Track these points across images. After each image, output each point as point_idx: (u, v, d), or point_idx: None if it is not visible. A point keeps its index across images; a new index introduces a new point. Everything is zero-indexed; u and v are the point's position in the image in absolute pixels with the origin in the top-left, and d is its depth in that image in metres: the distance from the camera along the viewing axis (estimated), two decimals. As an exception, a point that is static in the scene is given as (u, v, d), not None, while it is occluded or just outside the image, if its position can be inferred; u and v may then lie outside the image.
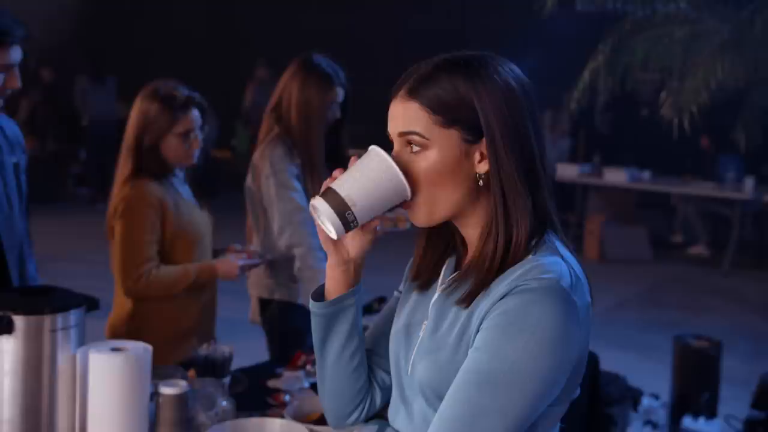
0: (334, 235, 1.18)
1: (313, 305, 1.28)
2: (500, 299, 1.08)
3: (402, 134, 1.15)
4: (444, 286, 1.20)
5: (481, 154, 1.14)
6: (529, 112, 1.14)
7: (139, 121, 2.42)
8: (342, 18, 10.45)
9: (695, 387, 3.69)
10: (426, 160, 1.13)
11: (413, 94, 1.14)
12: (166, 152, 2.44)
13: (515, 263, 1.11)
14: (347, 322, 1.27)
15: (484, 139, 1.13)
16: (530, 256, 1.12)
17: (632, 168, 8.10)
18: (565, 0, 3.34)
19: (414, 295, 1.28)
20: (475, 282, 1.13)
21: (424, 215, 1.16)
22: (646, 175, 8.19)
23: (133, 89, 2.56)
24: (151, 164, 2.43)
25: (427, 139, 1.13)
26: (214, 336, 2.58)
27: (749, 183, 7.46)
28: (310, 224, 2.65)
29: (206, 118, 2.50)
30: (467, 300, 1.13)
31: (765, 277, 7.39)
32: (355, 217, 1.15)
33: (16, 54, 1.92)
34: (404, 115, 1.15)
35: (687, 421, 3.52)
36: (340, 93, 2.72)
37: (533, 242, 1.13)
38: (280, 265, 2.76)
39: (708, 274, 7.55)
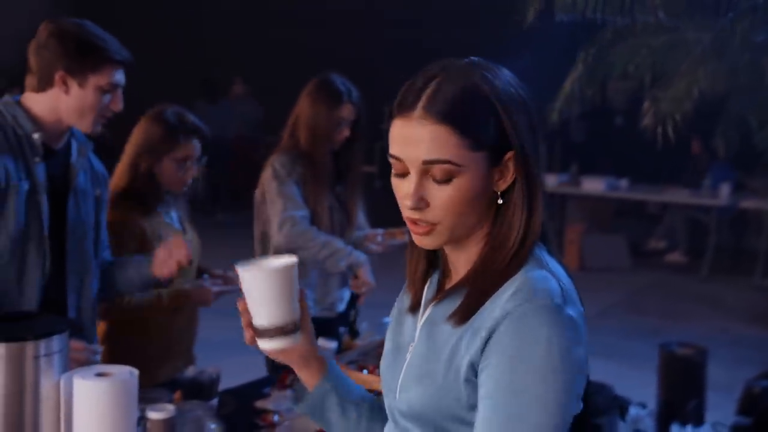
0: (295, 343, 1.20)
1: (298, 408, 1.32)
2: (494, 327, 1.05)
3: (428, 162, 1.05)
4: (434, 303, 1.17)
5: (500, 172, 1.09)
6: (535, 124, 1.12)
7: (141, 140, 2.42)
8: (319, 33, 10.45)
9: (682, 394, 3.69)
10: (455, 187, 1.06)
11: (441, 116, 1.04)
12: (160, 175, 2.43)
13: (508, 278, 1.08)
14: (335, 402, 1.27)
15: (506, 156, 1.08)
16: (519, 272, 1.08)
17: (609, 177, 8.15)
18: (545, 10, 3.35)
19: (402, 315, 1.26)
20: (472, 299, 1.10)
21: (440, 240, 1.11)
22: (624, 183, 8.24)
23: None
24: (144, 185, 2.41)
25: (462, 166, 1.05)
26: (193, 357, 2.53)
27: (725, 189, 7.54)
28: (307, 223, 2.75)
29: (206, 150, 2.51)
30: (463, 317, 1.09)
31: (742, 282, 7.45)
32: (290, 321, 1.19)
33: (120, 75, 1.99)
34: (431, 140, 1.04)
35: (675, 429, 3.51)
36: (351, 111, 2.78)
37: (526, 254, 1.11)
38: None
39: (687, 281, 7.60)
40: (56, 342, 1.68)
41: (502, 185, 1.09)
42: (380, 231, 2.94)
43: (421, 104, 1.05)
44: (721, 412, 3.84)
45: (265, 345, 1.19)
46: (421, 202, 1.07)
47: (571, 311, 1.05)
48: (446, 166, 1.04)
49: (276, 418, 2.15)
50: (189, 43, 11.16)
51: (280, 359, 1.25)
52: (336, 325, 2.81)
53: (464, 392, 1.08)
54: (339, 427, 1.28)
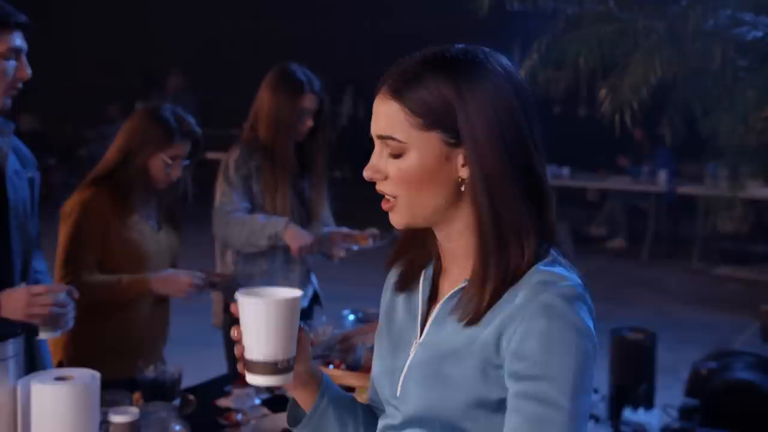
0: (285, 383, 1.15)
1: (296, 430, 1.24)
2: (519, 316, 1.04)
3: (381, 138, 1.11)
4: (443, 300, 1.15)
5: (465, 158, 1.08)
6: (523, 113, 1.09)
7: (138, 135, 2.40)
8: (268, 22, 10.32)
9: (632, 378, 3.75)
10: (404, 162, 1.09)
11: (396, 93, 1.09)
12: (148, 170, 2.41)
13: (522, 275, 1.07)
14: (333, 417, 1.22)
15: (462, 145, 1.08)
16: (537, 266, 1.08)
17: (552, 165, 8.26)
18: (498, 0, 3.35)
19: (399, 310, 1.22)
20: (480, 300, 1.08)
21: (403, 217, 1.12)
22: (566, 171, 8.36)
23: (37, 100, 2.49)
24: (133, 177, 2.39)
25: (405, 143, 1.08)
26: (160, 357, 2.45)
27: (663, 176, 7.72)
28: (231, 221, 2.70)
29: (196, 152, 2.50)
30: (473, 319, 1.08)
31: (681, 266, 7.65)
32: (283, 359, 1.12)
33: (19, 40, 1.87)
34: (385, 115, 1.10)
35: (627, 413, 3.57)
36: (313, 101, 2.73)
37: (540, 250, 1.09)
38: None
39: (628, 266, 7.76)
40: (11, 346, 1.61)
41: (465, 172, 1.09)
42: (345, 230, 2.84)
43: (387, 82, 1.11)
44: (668, 393, 3.93)
45: (254, 380, 1.13)
46: (377, 174, 1.12)
47: (588, 298, 1.08)
48: (393, 142, 1.09)
49: (240, 417, 2.10)
50: (130, 35, 10.90)
51: (282, 386, 1.20)
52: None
53: (482, 390, 1.06)
54: None
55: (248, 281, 2.74)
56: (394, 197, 1.11)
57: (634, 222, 8.42)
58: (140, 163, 2.39)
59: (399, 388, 1.15)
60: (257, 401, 2.22)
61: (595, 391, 3.81)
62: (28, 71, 1.89)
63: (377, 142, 1.12)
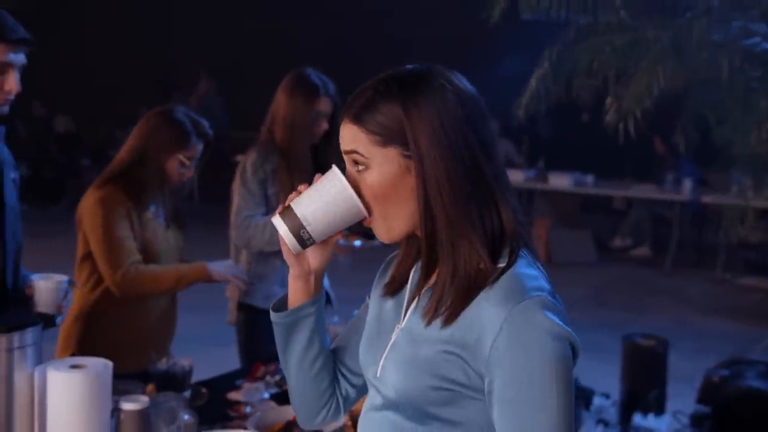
0: (295, 251, 1.22)
1: (273, 315, 1.32)
2: (494, 325, 1.10)
3: (347, 152, 1.21)
4: (424, 290, 1.22)
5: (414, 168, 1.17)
6: (469, 123, 1.16)
7: (154, 136, 2.49)
8: (289, 24, 10.44)
9: (644, 384, 3.77)
10: (369, 177, 1.18)
11: (355, 119, 1.19)
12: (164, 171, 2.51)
13: (487, 279, 1.13)
14: (307, 330, 1.31)
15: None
16: (512, 270, 1.13)
17: (576, 173, 8.27)
18: (511, 9, 3.42)
19: (384, 301, 1.30)
20: (437, 299, 1.16)
21: (383, 232, 1.21)
22: (590, 179, 8.36)
23: (71, 102, 2.58)
24: (149, 177, 2.48)
25: (368, 158, 1.18)
26: (167, 351, 2.55)
27: (687, 185, 7.69)
28: (251, 226, 2.78)
29: (206, 152, 2.60)
30: (431, 318, 1.16)
31: (704, 276, 7.61)
32: (310, 235, 1.20)
33: (14, 55, 1.92)
34: (348, 136, 1.20)
35: (637, 418, 3.60)
36: (327, 104, 2.81)
37: (503, 253, 1.15)
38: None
39: (651, 275, 7.74)
40: (30, 334, 1.71)
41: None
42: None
43: (348, 109, 1.21)
44: (682, 401, 3.94)
45: (277, 222, 1.21)
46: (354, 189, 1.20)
47: (558, 304, 1.13)
48: (356, 156, 1.19)
49: (248, 409, 2.18)
50: (154, 39, 11.09)
51: (290, 257, 1.27)
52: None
53: (451, 377, 1.14)
54: (298, 350, 1.31)
55: (262, 281, 2.84)
56: (370, 214, 1.19)
57: (659, 231, 8.39)
58: (157, 164, 2.48)
59: (379, 369, 1.23)
60: (266, 395, 2.31)
61: (607, 396, 3.84)
62: (14, 86, 1.93)
63: (347, 160, 1.22)
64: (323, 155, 2.88)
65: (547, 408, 1.08)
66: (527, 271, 1.14)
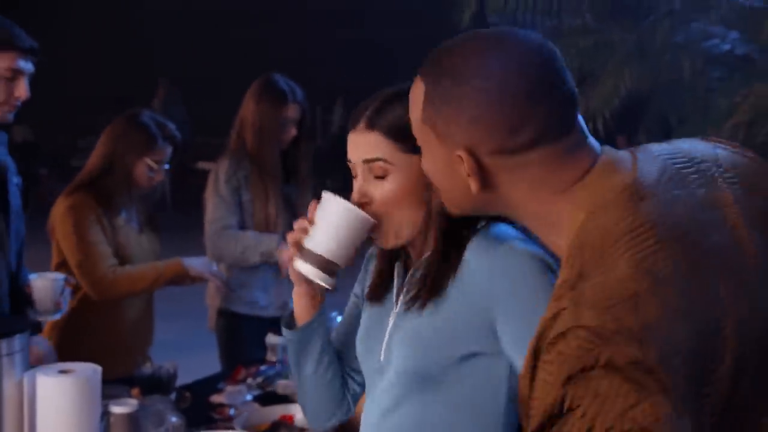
0: (326, 286, 1.26)
1: (286, 333, 1.38)
2: (487, 288, 1.19)
3: (368, 161, 1.24)
4: (410, 274, 1.29)
5: None
6: None
7: (121, 141, 2.50)
8: (256, 33, 10.43)
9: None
10: (389, 184, 1.23)
11: (381, 129, 1.23)
12: (133, 175, 2.52)
13: (464, 240, 1.23)
14: (319, 341, 1.37)
15: None
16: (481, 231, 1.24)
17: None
18: (479, 13, 3.49)
19: (372, 307, 1.37)
20: (441, 268, 1.23)
21: (391, 238, 1.26)
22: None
23: (30, 112, 2.61)
24: (117, 182, 2.49)
25: (391, 164, 1.23)
26: (147, 356, 2.55)
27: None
28: (224, 237, 2.77)
29: (174, 155, 2.61)
30: (436, 288, 1.23)
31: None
32: (336, 263, 1.24)
33: (23, 63, 1.98)
34: (365, 144, 1.24)
35: None
36: (296, 110, 2.83)
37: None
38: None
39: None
40: (18, 341, 1.71)
41: None
42: None
43: (363, 118, 1.25)
44: None
45: (302, 268, 1.23)
46: (364, 198, 1.25)
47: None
48: (380, 163, 1.23)
49: (232, 411, 2.20)
50: (120, 46, 11.00)
51: (301, 285, 1.32)
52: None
53: (459, 343, 1.22)
54: (312, 362, 1.37)
55: (243, 288, 2.85)
56: (379, 221, 1.24)
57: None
58: (125, 168, 2.50)
59: (382, 354, 1.29)
60: (249, 397, 2.33)
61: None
62: (24, 93, 2.00)
63: (361, 168, 1.25)
64: (292, 161, 2.90)
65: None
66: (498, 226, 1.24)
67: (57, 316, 2.10)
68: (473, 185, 0.93)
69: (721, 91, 3.43)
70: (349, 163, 1.28)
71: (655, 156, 0.92)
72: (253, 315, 2.85)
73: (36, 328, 1.99)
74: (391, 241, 1.26)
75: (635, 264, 0.79)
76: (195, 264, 2.58)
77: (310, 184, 2.94)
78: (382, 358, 1.29)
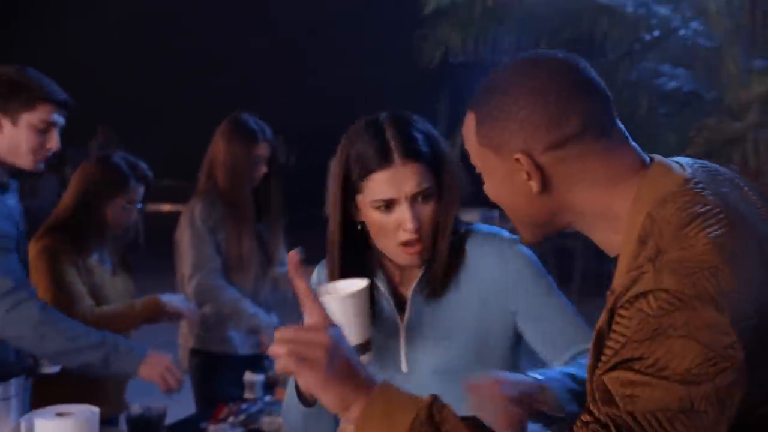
0: (367, 360, 1.31)
1: (305, 410, 1.37)
2: (501, 272, 1.45)
3: (420, 192, 1.38)
4: (415, 283, 1.43)
5: None
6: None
7: (94, 182, 2.49)
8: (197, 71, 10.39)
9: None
10: (435, 203, 1.41)
11: (408, 155, 1.37)
12: (105, 216, 2.50)
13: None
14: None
15: None
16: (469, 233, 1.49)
17: (484, 208, 8.53)
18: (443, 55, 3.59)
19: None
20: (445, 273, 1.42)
21: (426, 249, 1.43)
22: (496, 214, 8.64)
23: None
24: (89, 223, 2.46)
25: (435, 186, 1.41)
26: (124, 403, 2.50)
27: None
28: (216, 277, 2.76)
29: (147, 195, 2.60)
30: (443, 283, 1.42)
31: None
32: (363, 341, 1.29)
33: (56, 116, 2.06)
34: (413, 174, 1.37)
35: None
36: (265, 148, 2.85)
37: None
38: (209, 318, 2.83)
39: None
40: (14, 385, 1.68)
41: None
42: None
43: (396, 153, 1.37)
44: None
45: None
46: (418, 223, 1.39)
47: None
48: (430, 189, 1.40)
49: (220, 450, 2.19)
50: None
51: None
52: (264, 359, 2.86)
53: (480, 335, 1.41)
54: (330, 425, 1.39)
55: (219, 327, 2.83)
56: (425, 239, 1.39)
57: (562, 262, 8.73)
58: (99, 209, 2.48)
59: (405, 366, 1.39)
60: (233, 436, 2.31)
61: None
62: (54, 144, 2.07)
63: (409, 201, 1.38)
64: (263, 197, 2.92)
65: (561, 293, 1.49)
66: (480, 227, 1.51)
67: (57, 369, 2.05)
68: (534, 185, 1.00)
69: (669, 125, 3.60)
70: (377, 203, 1.36)
71: (691, 164, 1.02)
72: (228, 353, 2.85)
73: (32, 372, 1.93)
74: (427, 253, 1.40)
75: (712, 240, 0.88)
76: (171, 300, 2.56)
77: (281, 221, 2.96)
78: (405, 369, 1.39)
